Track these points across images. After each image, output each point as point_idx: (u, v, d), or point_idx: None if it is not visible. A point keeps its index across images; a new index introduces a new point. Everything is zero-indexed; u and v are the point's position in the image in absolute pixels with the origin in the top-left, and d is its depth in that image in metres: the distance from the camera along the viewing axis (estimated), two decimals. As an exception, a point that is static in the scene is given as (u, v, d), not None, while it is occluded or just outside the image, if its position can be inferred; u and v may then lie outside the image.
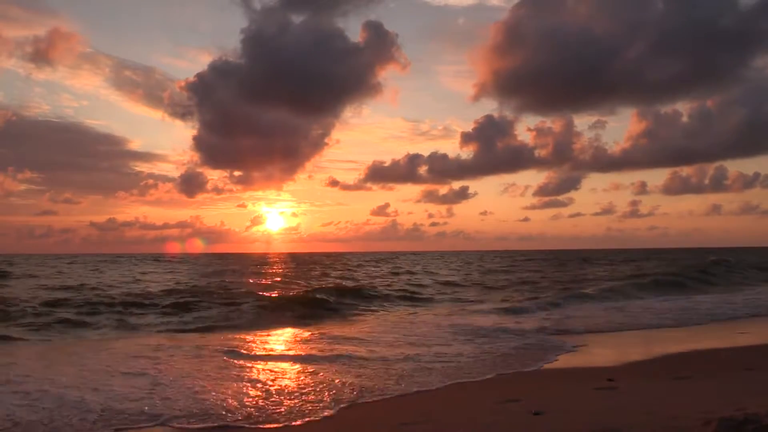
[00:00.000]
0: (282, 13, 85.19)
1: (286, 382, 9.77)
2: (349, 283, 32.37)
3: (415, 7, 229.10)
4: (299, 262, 75.39)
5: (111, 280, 35.66)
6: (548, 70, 75.72)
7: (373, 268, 53.55)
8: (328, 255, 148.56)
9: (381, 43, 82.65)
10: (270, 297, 23.67)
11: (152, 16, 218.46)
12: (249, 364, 11.26)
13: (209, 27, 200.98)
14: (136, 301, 21.99)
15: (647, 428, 6.16)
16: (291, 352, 12.86)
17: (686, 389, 8.55)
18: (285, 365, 11.28)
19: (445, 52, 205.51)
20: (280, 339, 15.24)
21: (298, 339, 15.09)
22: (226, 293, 25.31)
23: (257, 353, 12.69)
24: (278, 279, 38.86)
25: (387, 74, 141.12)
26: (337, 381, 9.70)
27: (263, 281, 36.50)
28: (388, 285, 31.98)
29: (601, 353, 12.85)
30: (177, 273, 46.58)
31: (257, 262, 77.34)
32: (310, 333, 16.04)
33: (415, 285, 32.61)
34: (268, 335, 15.83)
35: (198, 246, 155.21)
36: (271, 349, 13.36)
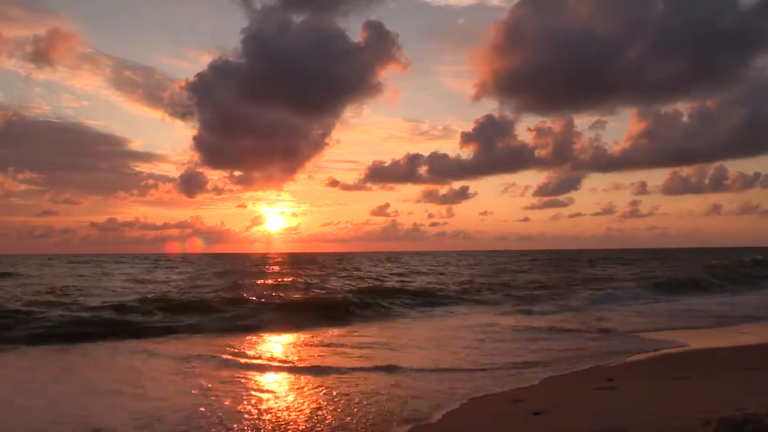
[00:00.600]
0: (282, 13, 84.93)
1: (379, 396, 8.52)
2: (374, 284, 31.22)
3: (415, 7, 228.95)
4: (308, 262, 74.50)
5: (121, 281, 34.82)
6: (548, 70, 75.53)
7: (382, 269, 52.00)
8: (333, 255, 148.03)
9: (381, 43, 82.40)
10: (305, 298, 22.32)
11: (152, 16, 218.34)
12: (305, 377, 10.02)
13: (209, 27, 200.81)
14: (159, 300, 20.89)
15: (648, 428, 6.17)
16: (370, 364, 11.11)
17: (686, 389, 8.56)
18: (365, 378, 9.85)
19: (445, 52, 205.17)
20: (334, 345, 13.79)
21: (362, 345, 13.71)
22: (250, 294, 24.01)
23: (312, 363, 11.25)
24: (297, 279, 36.32)
25: (387, 74, 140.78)
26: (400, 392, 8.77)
27: (281, 281, 34.59)
28: (417, 285, 30.88)
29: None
30: (186, 273, 45.41)
31: (265, 262, 75.62)
32: (362, 337, 15.18)
33: (444, 285, 31.38)
34: (318, 340, 14.72)
35: (198, 246, 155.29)
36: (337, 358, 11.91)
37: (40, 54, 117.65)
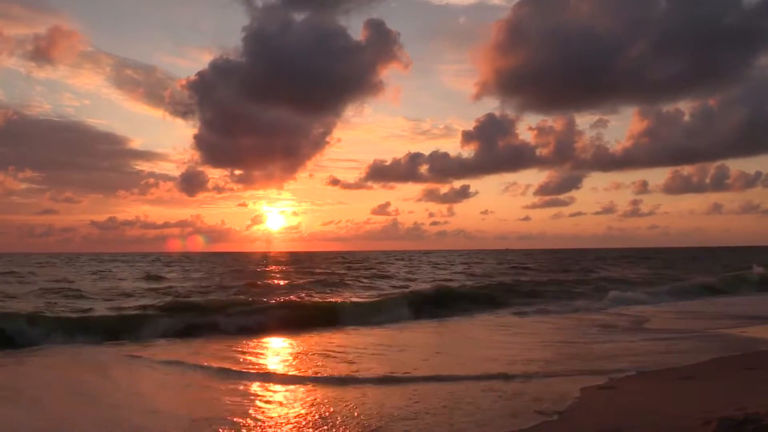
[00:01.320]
0: (283, 11, 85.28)
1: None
2: (410, 285, 30.26)
3: (416, 6, 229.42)
4: (318, 260, 73.95)
5: (122, 281, 34.11)
6: (550, 69, 75.75)
7: (402, 268, 49.99)
8: (335, 254, 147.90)
9: (383, 42, 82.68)
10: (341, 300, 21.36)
11: (153, 15, 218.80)
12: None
13: (210, 25, 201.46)
14: (170, 300, 20.03)
15: (648, 428, 6.18)
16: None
17: (686, 389, 8.56)
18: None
19: (447, 51, 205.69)
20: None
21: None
22: (276, 294, 23.50)
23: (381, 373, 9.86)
24: (324, 277, 34.76)
25: (388, 73, 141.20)
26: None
27: (309, 279, 33.18)
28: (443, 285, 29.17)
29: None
30: (189, 272, 45.07)
31: (274, 262, 74.17)
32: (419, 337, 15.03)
33: (463, 284, 29.76)
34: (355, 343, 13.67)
35: (199, 245, 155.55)
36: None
37: (41, 52, 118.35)
